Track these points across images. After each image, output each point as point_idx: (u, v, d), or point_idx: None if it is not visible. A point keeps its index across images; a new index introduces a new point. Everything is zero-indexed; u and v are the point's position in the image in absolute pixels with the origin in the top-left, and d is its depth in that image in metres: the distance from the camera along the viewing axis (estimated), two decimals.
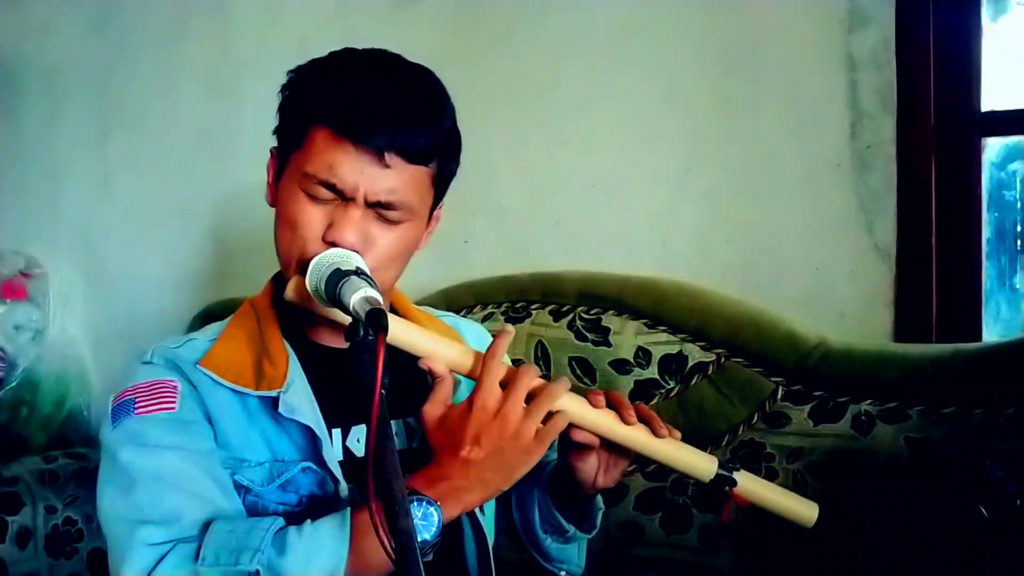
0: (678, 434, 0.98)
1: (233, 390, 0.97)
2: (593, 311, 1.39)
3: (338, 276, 0.83)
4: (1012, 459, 1.04)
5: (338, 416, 1.00)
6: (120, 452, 0.92)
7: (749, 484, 0.96)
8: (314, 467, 0.96)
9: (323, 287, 0.84)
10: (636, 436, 0.96)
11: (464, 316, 1.47)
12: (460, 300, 1.50)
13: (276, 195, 0.98)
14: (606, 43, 1.54)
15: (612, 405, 0.96)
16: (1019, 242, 1.42)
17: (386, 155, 0.91)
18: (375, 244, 0.94)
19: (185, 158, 1.89)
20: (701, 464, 0.97)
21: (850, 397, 1.19)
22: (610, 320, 1.37)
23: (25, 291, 1.96)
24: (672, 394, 1.32)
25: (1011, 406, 1.09)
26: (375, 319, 0.75)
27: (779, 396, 1.24)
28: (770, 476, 1.20)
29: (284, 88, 1.00)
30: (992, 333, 1.37)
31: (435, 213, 1.03)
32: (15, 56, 2.08)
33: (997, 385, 1.11)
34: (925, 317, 1.34)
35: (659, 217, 1.52)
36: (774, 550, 1.18)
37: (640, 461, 1.31)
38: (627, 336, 1.35)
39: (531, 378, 0.91)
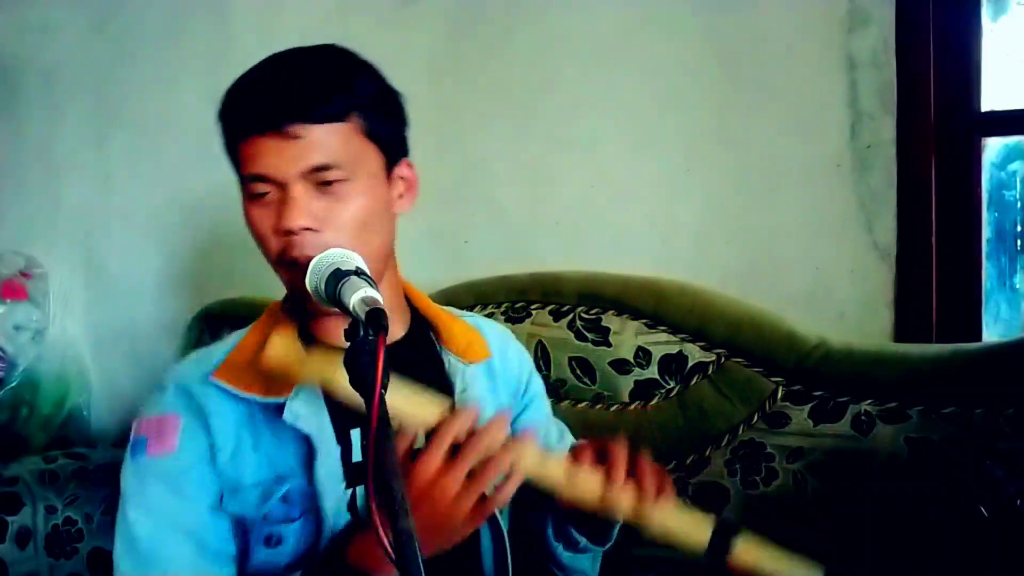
0: (671, 495, 0.93)
1: (242, 398, 0.98)
2: (593, 311, 1.39)
3: (338, 276, 0.83)
4: (1012, 459, 1.04)
5: (359, 417, 0.95)
6: (129, 507, 0.98)
7: (747, 555, 0.90)
8: (305, 483, 0.96)
9: (323, 287, 0.84)
10: (617, 503, 0.89)
11: None
12: (460, 300, 1.50)
13: None
14: (606, 44, 1.54)
15: (604, 458, 0.92)
16: (1019, 242, 1.42)
17: (288, 128, 0.91)
18: (330, 218, 0.93)
19: (185, 158, 1.89)
20: (692, 536, 0.90)
21: (850, 397, 1.19)
22: (610, 320, 1.37)
23: (25, 291, 1.96)
24: (672, 394, 1.32)
25: (1011, 406, 1.09)
26: (375, 319, 0.75)
27: (779, 396, 1.24)
28: (770, 476, 1.21)
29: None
30: (992, 333, 1.37)
31: (400, 173, 1.02)
32: (15, 56, 2.08)
33: (997, 385, 1.11)
34: (925, 317, 1.34)
35: (659, 217, 1.52)
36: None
37: None
38: (627, 336, 1.35)
39: (482, 445, 0.86)
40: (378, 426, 0.70)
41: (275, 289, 1.05)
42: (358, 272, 0.84)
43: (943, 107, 1.34)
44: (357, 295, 0.79)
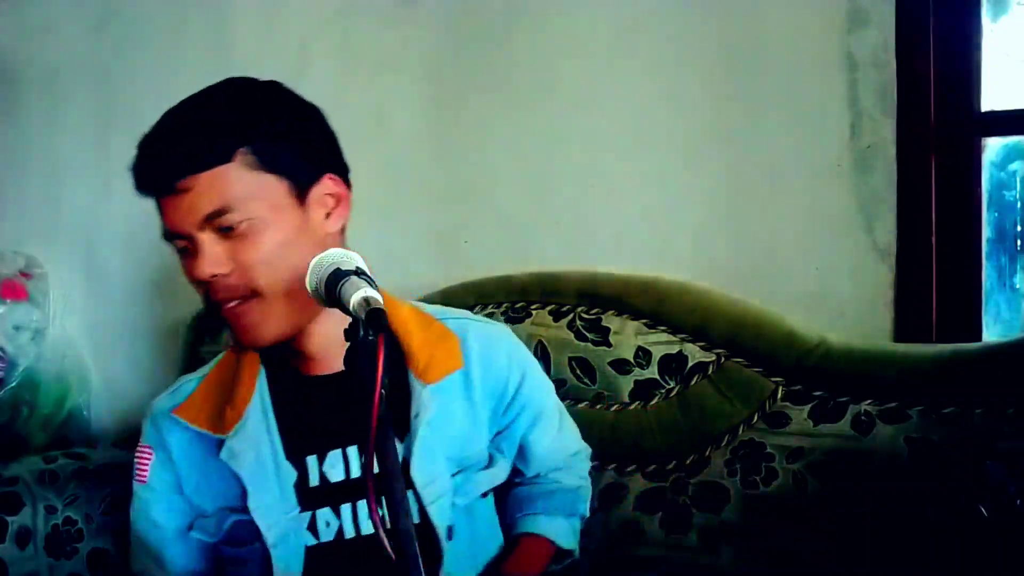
0: None
1: (197, 433, 1.06)
2: (593, 311, 1.39)
3: (338, 276, 0.83)
4: (1012, 459, 1.04)
5: (315, 443, 1.04)
6: (132, 517, 1.11)
7: None
8: (248, 516, 1.02)
9: (323, 287, 0.84)
10: None
11: None
12: (460, 300, 1.50)
13: None
14: (606, 43, 1.54)
15: None
16: (1019, 242, 1.42)
17: (176, 184, 0.95)
18: (237, 259, 0.95)
19: None
20: None
21: (850, 397, 1.19)
22: (610, 320, 1.37)
23: (25, 291, 1.96)
24: (672, 394, 1.32)
25: (1011, 406, 1.09)
26: (375, 319, 0.75)
27: (779, 396, 1.24)
28: (770, 476, 1.21)
29: None
30: (992, 333, 1.37)
31: (322, 191, 1.01)
32: (15, 56, 2.08)
33: (997, 385, 1.11)
34: (925, 317, 1.34)
35: (659, 217, 1.52)
36: (774, 550, 1.18)
37: (640, 460, 1.32)
38: (627, 336, 1.35)
39: None
40: (378, 426, 0.70)
41: None
42: (358, 272, 0.84)
43: (943, 107, 1.34)
44: (357, 295, 0.78)
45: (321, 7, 1.76)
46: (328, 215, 1.02)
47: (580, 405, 1.37)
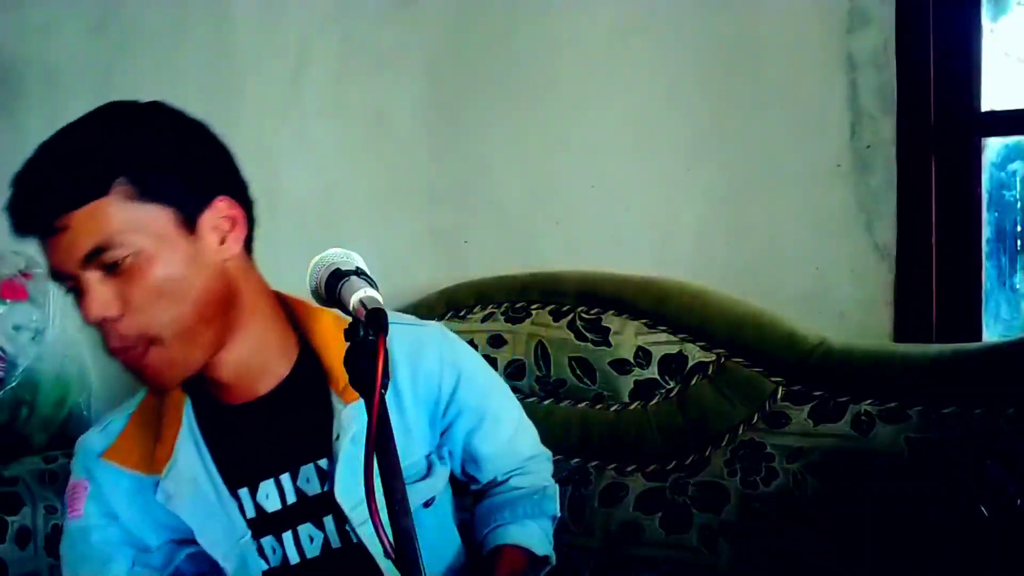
0: None
1: (131, 476, 1.02)
2: (593, 311, 1.39)
3: (338, 276, 0.82)
4: (1012, 459, 1.04)
5: (245, 475, 1.02)
6: (62, 557, 1.05)
7: None
8: (199, 549, 1.00)
9: (323, 287, 0.84)
10: None
11: (464, 316, 1.47)
12: (460, 300, 1.50)
13: None
14: (606, 43, 1.54)
15: None
16: (1019, 242, 1.42)
17: (54, 223, 0.88)
18: (127, 299, 0.90)
19: None
20: None
21: (850, 397, 1.19)
22: (610, 320, 1.37)
23: (25, 291, 1.96)
24: (672, 394, 1.32)
25: (1011, 406, 1.09)
26: (375, 319, 0.75)
27: (779, 396, 1.24)
28: (770, 476, 1.21)
29: None
30: (992, 333, 1.37)
31: (216, 215, 0.95)
32: (15, 56, 2.08)
33: (997, 385, 1.11)
34: (925, 317, 1.34)
35: (659, 217, 1.52)
36: (774, 550, 1.18)
37: (640, 460, 1.32)
38: (627, 336, 1.35)
39: None
40: (378, 426, 0.70)
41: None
42: (358, 272, 0.84)
43: (943, 107, 1.34)
44: (357, 295, 0.78)
45: (321, 6, 1.77)
46: (223, 240, 0.95)
47: (580, 405, 1.38)
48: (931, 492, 1.09)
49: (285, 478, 1.02)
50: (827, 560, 1.14)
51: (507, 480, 1.16)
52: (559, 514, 1.19)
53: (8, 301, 1.93)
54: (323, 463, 1.02)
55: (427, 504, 1.08)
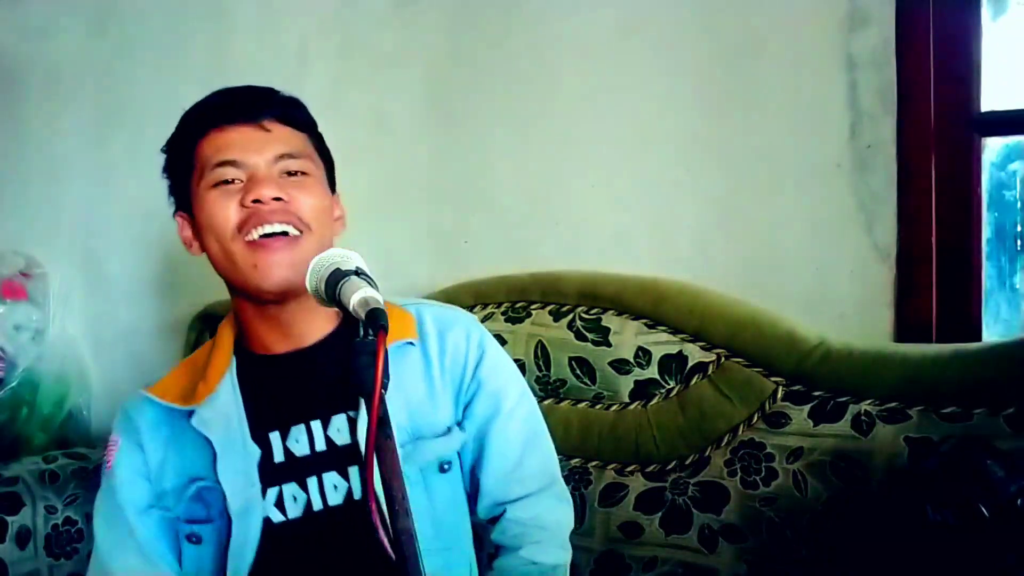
0: None
1: (166, 408, 1.11)
2: (593, 311, 1.39)
3: (338, 276, 0.83)
4: (1012, 459, 1.04)
5: (279, 419, 1.09)
6: (94, 514, 1.15)
7: None
8: (213, 484, 1.07)
9: (323, 287, 0.84)
10: None
11: None
12: (460, 300, 1.50)
13: (197, 233, 1.10)
14: (606, 43, 1.54)
15: None
16: (1019, 242, 1.42)
17: (263, 121, 1.07)
18: (296, 197, 1.05)
19: None
20: None
21: (850, 397, 1.19)
22: (610, 320, 1.37)
23: (25, 291, 1.96)
24: (672, 394, 1.32)
25: (1011, 406, 1.09)
26: (375, 319, 0.75)
27: (779, 396, 1.24)
28: (770, 476, 1.21)
29: (165, 146, 1.14)
30: (992, 333, 1.37)
31: (336, 199, 1.15)
32: (15, 56, 2.08)
33: (997, 385, 1.11)
34: (925, 317, 1.34)
35: (659, 217, 1.52)
36: (774, 550, 1.18)
37: (640, 460, 1.32)
38: (627, 336, 1.35)
39: None
40: (378, 426, 0.70)
41: None
42: (358, 272, 0.84)
43: (943, 107, 1.34)
44: (357, 295, 0.79)
45: (321, 7, 1.77)
46: (337, 219, 1.15)
47: (580, 405, 1.38)
48: (931, 492, 1.09)
49: (316, 425, 1.08)
50: (827, 560, 1.14)
51: (525, 544, 1.10)
52: None
53: (8, 301, 1.93)
54: (354, 414, 1.07)
55: (443, 468, 1.10)
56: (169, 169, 1.14)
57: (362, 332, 0.75)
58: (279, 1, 1.81)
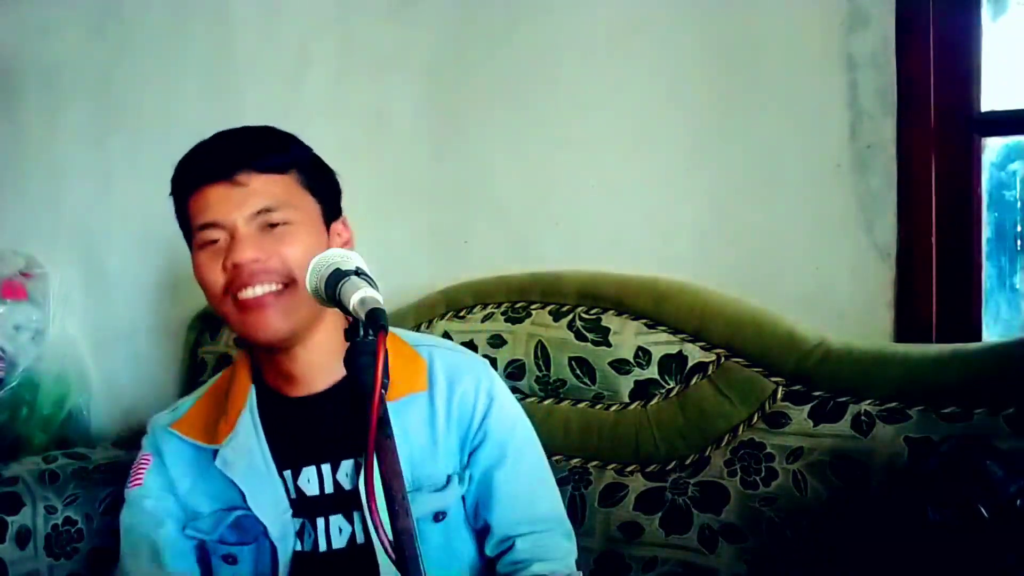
0: None
1: (193, 445, 1.14)
2: (593, 311, 1.39)
3: (338, 276, 0.83)
4: (1012, 459, 1.04)
5: (292, 459, 1.12)
6: (121, 523, 1.17)
7: None
8: (251, 513, 1.10)
9: (323, 287, 0.84)
10: None
11: (464, 316, 1.47)
12: (460, 300, 1.50)
13: None
14: (606, 43, 1.54)
15: None
16: (1019, 242, 1.42)
17: (237, 176, 1.05)
18: (278, 251, 1.04)
19: None
20: None
21: (850, 397, 1.19)
22: (610, 320, 1.37)
23: (25, 291, 1.96)
24: (672, 394, 1.32)
25: (1011, 406, 1.09)
26: (375, 319, 0.75)
27: (779, 396, 1.24)
28: (770, 476, 1.21)
29: (171, 193, 1.15)
30: (992, 333, 1.37)
31: (337, 229, 1.14)
32: (15, 56, 2.08)
33: (997, 385, 1.11)
34: (925, 317, 1.34)
35: (659, 217, 1.52)
36: (774, 550, 1.18)
37: (640, 460, 1.32)
38: (627, 336, 1.35)
39: None
40: (378, 426, 0.70)
41: None
42: (358, 272, 0.84)
43: (943, 107, 1.34)
44: (357, 295, 0.79)
45: (321, 7, 1.77)
46: (344, 244, 1.15)
47: (580, 405, 1.38)
48: (931, 492, 1.09)
49: (326, 468, 1.12)
50: (827, 560, 1.14)
51: (517, 546, 1.12)
52: None
53: (8, 301, 1.93)
54: (362, 460, 1.08)
55: (437, 518, 1.11)
56: (177, 218, 1.16)
57: (362, 332, 0.75)
58: (279, 1, 1.81)
